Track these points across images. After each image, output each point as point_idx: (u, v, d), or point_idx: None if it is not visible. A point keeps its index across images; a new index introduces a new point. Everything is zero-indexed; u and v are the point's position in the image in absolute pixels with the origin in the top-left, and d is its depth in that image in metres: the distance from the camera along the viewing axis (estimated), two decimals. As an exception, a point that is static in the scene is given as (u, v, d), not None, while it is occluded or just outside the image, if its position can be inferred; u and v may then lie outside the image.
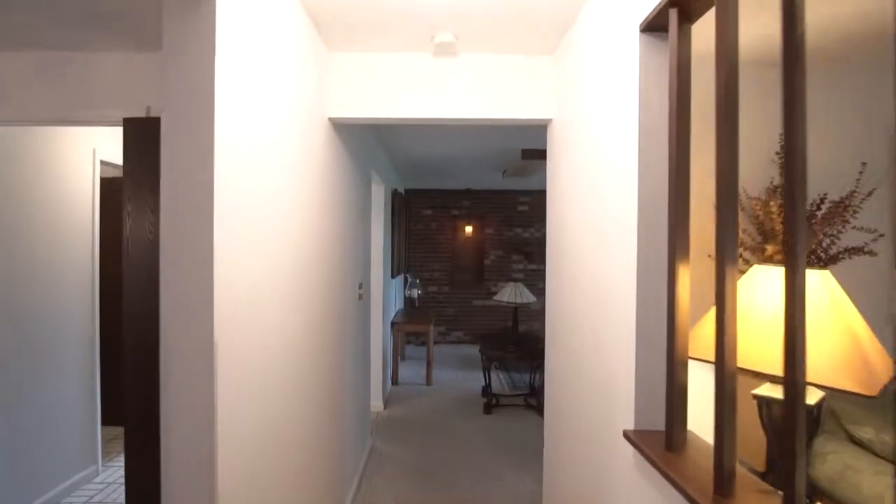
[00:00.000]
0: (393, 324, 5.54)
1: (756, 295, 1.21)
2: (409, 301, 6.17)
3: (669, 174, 1.28)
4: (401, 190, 6.17)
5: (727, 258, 1.03)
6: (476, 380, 5.82)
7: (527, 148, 4.54)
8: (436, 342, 7.58)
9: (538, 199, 7.97)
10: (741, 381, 1.06)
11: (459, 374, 6.15)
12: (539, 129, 2.60)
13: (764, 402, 1.20)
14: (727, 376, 1.03)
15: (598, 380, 1.72)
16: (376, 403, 4.69)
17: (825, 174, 1.44)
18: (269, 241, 1.58)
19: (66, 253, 3.01)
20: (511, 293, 4.69)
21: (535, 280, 7.98)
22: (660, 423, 1.38)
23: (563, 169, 2.25)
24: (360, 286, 3.34)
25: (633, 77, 1.44)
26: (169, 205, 1.20)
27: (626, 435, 1.40)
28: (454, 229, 8.05)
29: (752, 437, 1.43)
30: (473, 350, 7.47)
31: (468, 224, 7.95)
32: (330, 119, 2.40)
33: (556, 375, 2.35)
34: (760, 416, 1.22)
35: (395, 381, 5.54)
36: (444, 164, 5.48)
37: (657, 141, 1.39)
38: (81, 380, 3.13)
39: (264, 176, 1.53)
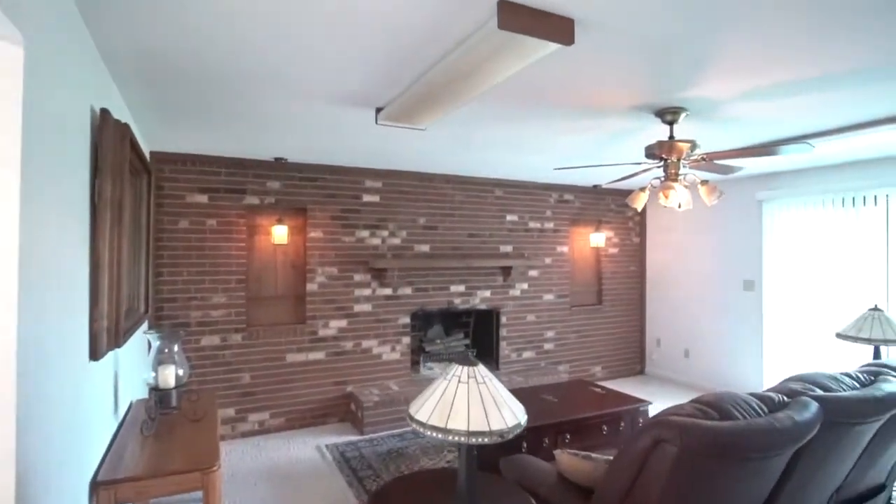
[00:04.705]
0: (97, 485, 1.97)
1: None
2: (159, 395, 2.58)
3: None
4: (121, 118, 2.56)
5: None
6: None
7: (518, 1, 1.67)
8: (222, 437, 3.81)
9: (399, 183, 5.07)
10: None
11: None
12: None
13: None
14: None
15: None
16: None
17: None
18: None
19: None
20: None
21: (392, 313, 5.05)
22: None
23: None
24: None
25: None
26: None
27: None
28: (252, 231, 4.56)
29: None
30: (291, 448, 4.09)
31: (278, 222, 4.57)
32: None
33: None
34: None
35: None
36: (239, 54, 2.20)
37: None
38: None
39: None
